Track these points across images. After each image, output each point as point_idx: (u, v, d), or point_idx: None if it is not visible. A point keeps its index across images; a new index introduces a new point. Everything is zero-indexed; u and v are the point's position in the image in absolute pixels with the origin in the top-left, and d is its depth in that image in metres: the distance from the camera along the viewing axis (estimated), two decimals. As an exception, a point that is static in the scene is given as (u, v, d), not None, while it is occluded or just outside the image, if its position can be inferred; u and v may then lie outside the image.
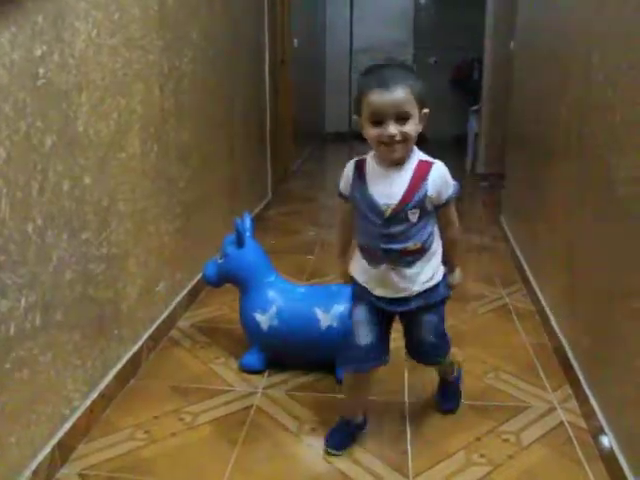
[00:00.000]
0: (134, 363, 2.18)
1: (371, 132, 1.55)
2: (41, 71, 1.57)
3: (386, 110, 1.51)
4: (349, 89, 8.23)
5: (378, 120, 1.53)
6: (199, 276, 2.88)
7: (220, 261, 2.20)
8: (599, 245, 1.97)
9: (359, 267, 1.71)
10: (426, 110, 1.58)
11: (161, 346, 2.42)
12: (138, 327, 2.24)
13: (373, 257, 1.65)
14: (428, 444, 1.85)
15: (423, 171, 1.59)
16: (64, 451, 1.72)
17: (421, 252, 1.63)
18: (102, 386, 1.96)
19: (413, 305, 1.68)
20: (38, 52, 1.56)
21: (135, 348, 2.20)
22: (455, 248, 1.78)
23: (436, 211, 1.64)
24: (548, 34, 2.92)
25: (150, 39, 2.26)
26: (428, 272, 1.67)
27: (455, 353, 2.03)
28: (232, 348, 2.40)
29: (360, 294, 1.74)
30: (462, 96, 7.60)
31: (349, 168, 1.68)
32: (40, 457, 1.62)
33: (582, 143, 2.21)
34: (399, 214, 1.58)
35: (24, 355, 1.53)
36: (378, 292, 1.68)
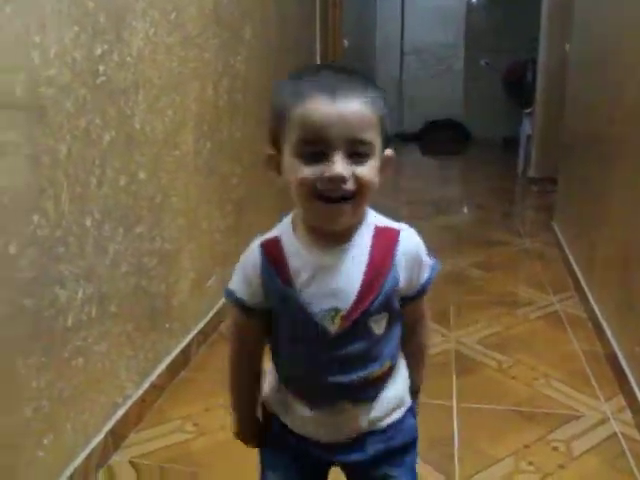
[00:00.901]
0: (185, 356, 2.22)
1: (299, 174, 0.87)
2: (101, 69, 1.61)
3: (331, 133, 0.84)
4: (399, 90, 8.21)
5: (314, 151, 0.86)
6: (248, 273, 2.91)
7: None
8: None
9: (285, 410, 1.03)
10: (390, 152, 0.93)
11: (211, 340, 2.45)
12: (189, 321, 2.28)
13: (312, 397, 0.99)
14: (475, 449, 1.83)
15: (386, 246, 0.95)
16: (116, 439, 1.77)
17: (390, 373, 1.01)
18: (154, 377, 2.00)
19: (370, 451, 1.00)
20: (98, 51, 1.60)
21: (185, 341, 2.23)
22: (424, 359, 1.12)
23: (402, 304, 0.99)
24: (604, 35, 2.85)
25: (206, 37, 2.30)
26: (398, 390, 1.03)
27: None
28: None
29: (279, 452, 1.07)
30: (514, 98, 7.49)
31: (250, 258, 1.00)
32: (93, 443, 1.66)
33: (639, 144, 2.16)
34: (356, 326, 0.93)
35: (80, 345, 1.57)
36: (324, 437, 1.00)
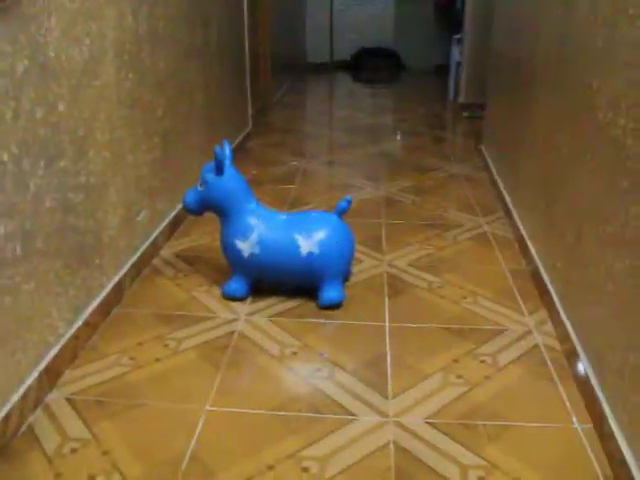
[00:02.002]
0: (117, 291, 2.20)
1: None
2: (9, -7, 1.52)
3: None
4: (330, 19, 8.06)
5: None
6: (180, 206, 2.87)
7: (200, 189, 2.19)
8: (577, 171, 1.98)
9: None
10: None
11: (144, 275, 2.44)
12: (120, 256, 2.25)
13: None
14: (407, 366, 1.90)
15: None
16: (51, 377, 1.76)
17: None
18: (86, 314, 1.98)
19: None
20: (5, -28, 1.50)
21: (118, 277, 2.21)
22: None
23: None
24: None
25: (122, -39, 2.18)
26: None
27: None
28: (214, 276, 2.42)
29: None
30: (444, 24, 7.46)
31: None
32: (28, 382, 1.64)
33: (562, 68, 2.20)
34: None
35: (6, 283, 1.53)
36: None
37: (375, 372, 1.87)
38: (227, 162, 2.17)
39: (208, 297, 2.29)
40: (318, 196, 3.37)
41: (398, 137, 4.93)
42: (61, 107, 1.77)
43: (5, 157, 1.50)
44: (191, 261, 2.57)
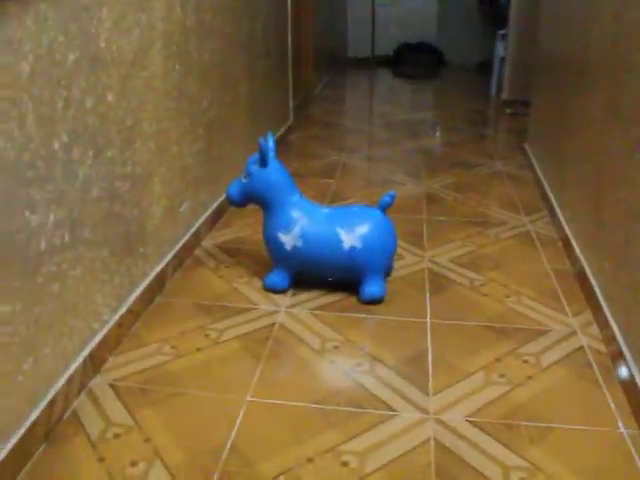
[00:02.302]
0: (160, 281, 2.22)
1: None
2: (63, -17, 1.54)
3: None
4: (372, 14, 8.02)
5: None
6: (222, 198, 2.89)
7: (244, 181, 2.20)
8: (628, 171, 1.94)
9: None
10: None
11: (186, 265, 2.46)
12: (163, 245, 2.27)
13: None
14: (448, 364, 1.88)
15: None
16: (96, 362, 1.78)
17: None
18: (130, 302, 2.00)
19: None
20: (59, -37, 1.52)
21: (160, 266, 2.23)
22: None
23: None
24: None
25: (171, -48, 2.20)
26: None
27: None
28: (256, 268, 2.43)
29: None
30: (488, 19, 7.36)
31: None
32: (73, 367, 1.67)
33: (615, 65, 2.15)
34: None
35: (54, 270, 1.56)
36: None
37: (416, 368, 1.86)
38: (271, 154, 2.17)
39: (249, 289, 2.29)
40: (358, 191, 3.36)
41: (437, 133, 4.88)
42: (110, 97, 1.79)
43: (56, 145, 1.53)
44: (232, 252, 2.59)
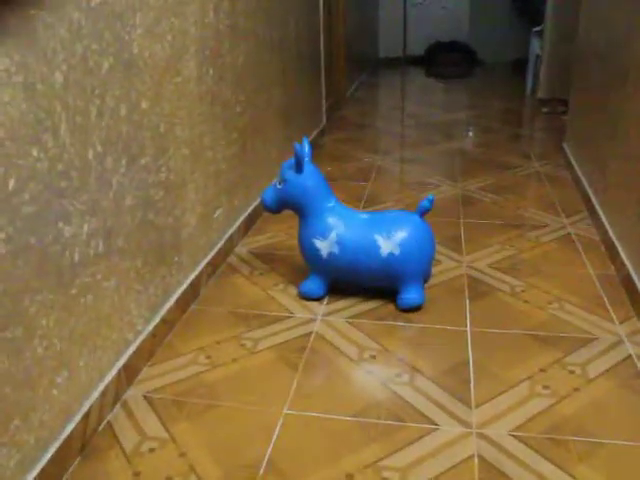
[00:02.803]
0: (194, 289, 2.20)
1: None
2: (96, -10, 1.52)
3: None
4: (404, 13, 7.94)
5: None
6: (256, 203, 2.86)
7: (279, 187, 2.16)
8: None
9: None
10: None
11: (219, 272, 2.43)
12: (197, 253, 2.25)
13: None
14: (491, 374, 1.82)
15: None
16: (130, 374, 1.76)
17: None
18: (164, 311, 1.98)
19: None
20: (92, -30, 1.50)
21: (195, 274, 2.21)
22: None
23: None
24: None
25: (204, -44, 2.17)
26: None
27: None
28: (290, 275, 2.39)
29: None
30: (523, 16, 7.24)
31: None
32: (107, 379, 1.65)
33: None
34: None
35: (88, 281, 1.54)
36: None
37: (457, 379, 1.80)
38: (306, 160, 2.13)
39: (284, 296, 2.26)
40: (393, 194, 3.30)
41: (471, 134, 4.80)
42: (144, 104, 1.76)
43: (90, 155, 1.51)
44: (266, 259, 2.55)
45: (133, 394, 1.75)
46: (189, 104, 2.09)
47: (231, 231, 2.58)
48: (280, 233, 2.80)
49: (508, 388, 1.76)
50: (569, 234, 2.77)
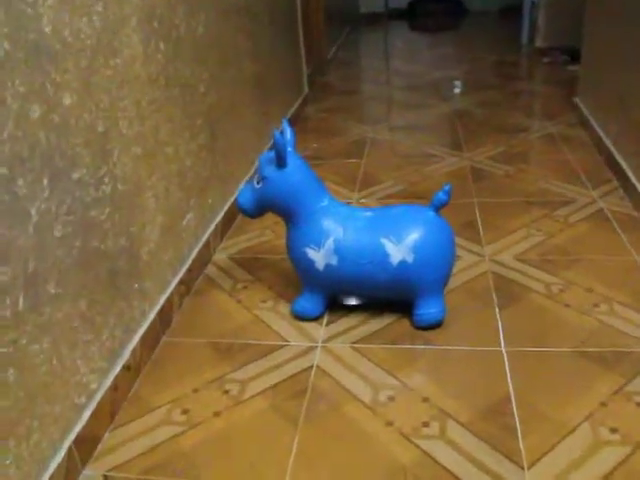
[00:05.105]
0: (164, 318, 1.80)
1: None
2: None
3: None
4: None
5: None
6: (233, 198, 2.44)
7: (257, 186, 1.73)
8: None
9: None
10: None
11: (195, 290, 2.02)
12: (164, 273, 1.83)
13: None
14: (540, 415, 1.44)
15: None
16: (85, 449, 1.36)
17: None
18: (126, 356, 1.58)
19: None
20: None
21: (163, 298, 1.80)
22: None
23: None
24: None
25: None
26: None
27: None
28: (280, 286, 1.99)
29: None
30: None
31: None
32: (52, 467, 1.26)
33: None
34: None
35: (7, 352, 1.13)
36: None
37: (499, 424, 1.42)
38: (289, 150, 1.71)
39: (274, 317, 1.86)
40: (392, 171, 2.88)
41: (456, 90, 4.34)
42: (67, 100, 1.33)
43: (-10, 180, 1.08)
44: (250, 267, 2.14)
45: (91, 473, 1.36)
46: (135, 91, 1.65)
47: (206, 236, 2.17)
48: (266, 231, 2.39)
49: (566, 433, 1.38)
50: (602, 210, 2.38)
